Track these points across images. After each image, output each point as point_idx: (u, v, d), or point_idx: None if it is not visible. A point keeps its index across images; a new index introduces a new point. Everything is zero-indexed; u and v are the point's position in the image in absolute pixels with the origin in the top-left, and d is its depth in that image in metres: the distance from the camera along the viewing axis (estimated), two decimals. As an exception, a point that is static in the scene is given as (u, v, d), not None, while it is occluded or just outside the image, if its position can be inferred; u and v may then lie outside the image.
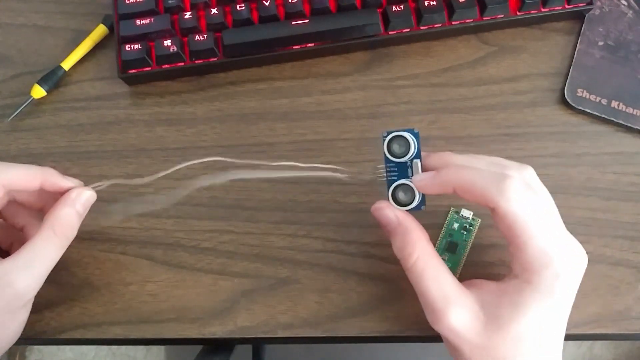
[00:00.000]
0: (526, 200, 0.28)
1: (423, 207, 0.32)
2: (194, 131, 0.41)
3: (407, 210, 0.31)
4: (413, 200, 0.31)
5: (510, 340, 0.28)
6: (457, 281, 0.30)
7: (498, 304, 0.29)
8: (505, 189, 0.28)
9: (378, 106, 0.41)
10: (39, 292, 0.38)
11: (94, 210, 0.39)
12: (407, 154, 0.30)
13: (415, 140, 0.31)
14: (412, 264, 0.30)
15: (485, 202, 0.29)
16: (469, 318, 0.29)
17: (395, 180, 0.31)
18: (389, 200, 0.31)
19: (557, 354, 0.30)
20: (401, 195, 0.31)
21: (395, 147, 0.31)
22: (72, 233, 0.33)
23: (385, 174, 0.31)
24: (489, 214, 0.30)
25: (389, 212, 0.31)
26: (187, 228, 0.39)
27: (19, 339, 0.37)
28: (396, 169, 0.31)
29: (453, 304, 0.29)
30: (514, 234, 0.28)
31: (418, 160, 0.31)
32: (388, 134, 0.31)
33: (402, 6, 0.40)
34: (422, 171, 0.31)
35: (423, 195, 0.31)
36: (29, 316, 0.37)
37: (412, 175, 0.31)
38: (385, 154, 0.31)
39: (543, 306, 0.28)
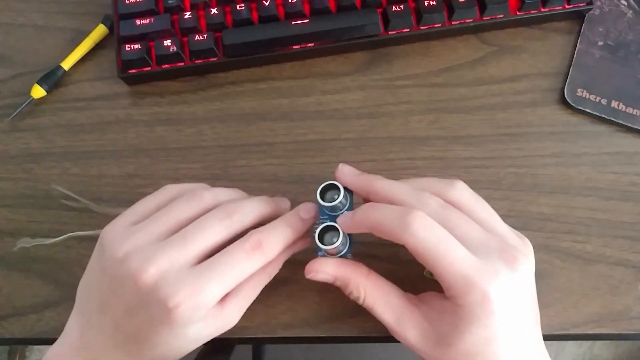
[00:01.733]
0: (432, 230, 0.28)
1: (349, 256, 0.32)
2: (194, 131, 0.41)
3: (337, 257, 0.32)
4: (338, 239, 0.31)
5: (461, 355, 0.28)
6: (405, 299, 0.31)
7: (441, 321, 0.29)
8: (408, 224, 0.28)
9: (378, 106, 0.41)
10: (38, 292, 0.38)
11: (96, 212, 0.39)
12: (337, 199, 0.31)
13: (347, 193, 0.32)
14: (363, 303, 0.32)
15: (395, 240, 0.29)
16: (420, 334, 0.30)
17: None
18: (315, 241, 0.31)
19: (533, 355, 0.29)
20: (327, 237, 0.31)
21: (329, 195, 0.32)
22: None
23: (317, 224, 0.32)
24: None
25: (322, 275, 0.32)
26: (187, 228, 0.39)
27: (19, 339, 0.37)
28: (328, 219, 0.32)
29: (404, 324, 0.30)
30: (429, 264, 0.28)
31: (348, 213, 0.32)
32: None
33: (402, 6, 0.40)
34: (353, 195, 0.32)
35: (350, 242, 0.32)
36: (29, 317, 0.37)
37: None
38: (317, 199, 0.31)
39: (482, 325, 0.28)
